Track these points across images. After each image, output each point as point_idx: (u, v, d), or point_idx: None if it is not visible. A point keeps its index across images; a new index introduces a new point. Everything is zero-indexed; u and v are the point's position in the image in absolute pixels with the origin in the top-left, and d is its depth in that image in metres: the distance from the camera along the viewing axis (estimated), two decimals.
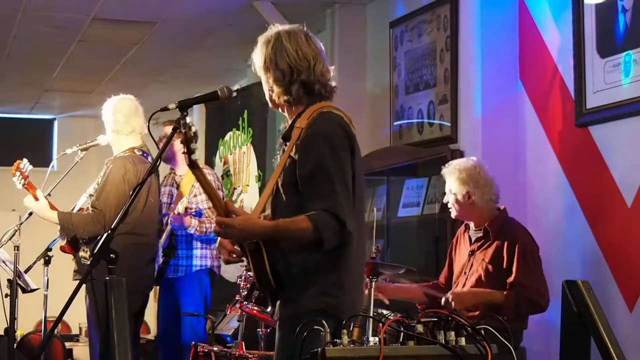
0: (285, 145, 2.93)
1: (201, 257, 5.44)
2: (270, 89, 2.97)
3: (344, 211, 2.75)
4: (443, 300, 4.07)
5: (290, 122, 2.96)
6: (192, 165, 2.68)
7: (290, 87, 2.91)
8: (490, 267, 4.09)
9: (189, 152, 2.68)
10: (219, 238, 2.93)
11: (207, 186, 2.82)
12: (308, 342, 2.41)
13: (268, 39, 2.98)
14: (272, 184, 2.87)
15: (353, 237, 2.82)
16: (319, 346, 2.39)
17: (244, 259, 2.95)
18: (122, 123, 4.74)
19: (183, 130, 2.68)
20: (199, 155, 2.69)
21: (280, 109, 3.01)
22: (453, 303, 3.99)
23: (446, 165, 4.31)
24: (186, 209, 5.19)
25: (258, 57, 2.99)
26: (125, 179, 4.56)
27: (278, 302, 2.90)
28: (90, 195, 4.68)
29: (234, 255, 2.93)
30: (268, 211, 2.96)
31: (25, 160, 4.82)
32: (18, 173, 4.76)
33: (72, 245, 4.71)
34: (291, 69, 2.91)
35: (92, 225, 4.46)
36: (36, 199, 4.66)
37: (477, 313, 4.01)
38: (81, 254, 4.61)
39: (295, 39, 2.96)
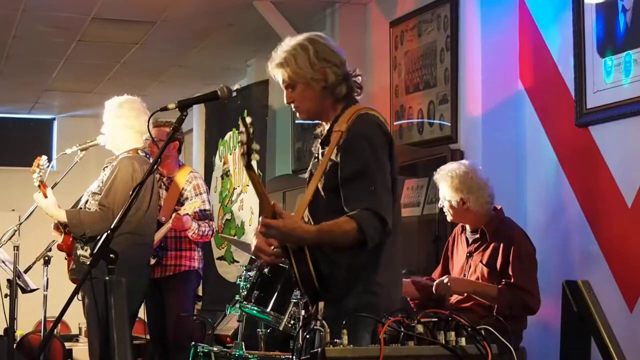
0: (323, 149, 2.96)
1: (190, 257, 5.45)
2: (311, 99, 2.95)
3: (385, 209, 2.79)
4: (437, 282, 4.07)
5: (328, 126, 2.98)
6: (249, 167, 2.66)
7: (335, 89, 2.94)
8: (487, 269, 4.09)
9: (249, 152, 2.64)
10: (256, 243, 2.91)
11: (259, 186, 2.78)
12: (350, 338, 2.41)
13: (300, 47, 2.95)
14: (312, 188, 2.88)
15: (392, 235, 2.86)
16: (360, 342, 2.39)
17: (285, 260, 2.94)
18: (128, 124, 4.72)
19: (244, 130, 2.64)
20: (258, 157, 2.68)
21: (317, 118, 3.01)
22: (450, 284, 4.01)
23: (438, 170, 4.29)
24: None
25: (295, 68, 2.95)
26: (133, 178, 4.55)
27: (321, 303, 2.88)
28: (94, 194, 4.66)
29: (273, 257, 2.88)
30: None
31: (44, 158, 4.80)
32: (38, 170, 4.73)
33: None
34: (336, 74, 2.94)
35: (100, 223, 4.45)
36: (45, 196, 4.64)
37: (464, 297, 4.06)
38: (80, 252, 4.60)
39: (326, 43, 2.98)
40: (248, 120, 2.66)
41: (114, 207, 4.49)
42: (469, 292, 4.06)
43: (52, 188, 4.78)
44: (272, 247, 2.86)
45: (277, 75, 3.02)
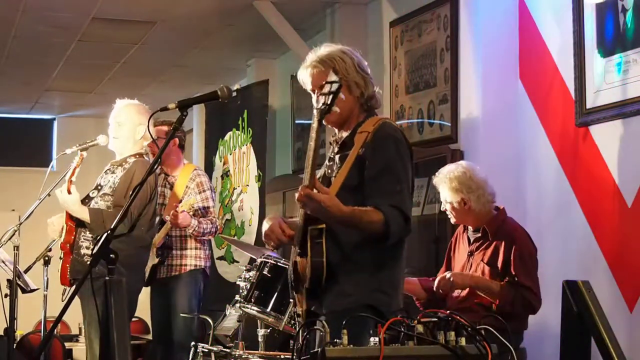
0: (342, 152, 3.06)
1: (195, 257, 5.43)
2: (346, 102, 3.04)
3: (409, 209, 2.96)
4: (439, 277, 4.07)
5: (346, 133, 3.09)
6: (321, 123, 2.80)
7: (370, 100, 3.10)
8: (488, 268, 4.09)
9: (331, 105, 2.78)
10: (268, 225, 3.06)
11: (316, 151, 2.88)
12: (354, 336, 2.45)
13: (344, 53, 3.08)
14: (340, 181, 2.98)
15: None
16: (363, 341, 2.45)
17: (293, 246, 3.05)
18: (140, 130, 4.72)
19: (336, 80, 2.76)
20: (338, 110, 2.92)
21: (342, 123, 3.10)
22: (452, 279, 4.01)
23: (436, 174, 4.29)
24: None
25: (341, 69, 3.04)
26: (149, 181, 4.54)
27: (329, 297, 2.96)
28: (105, 194, 4.65)
29: (281, 242, 3.05)
30: (296, 218, 3.02)
31: (85, 154, 4.76)
32: (80, 167, 4.70)
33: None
34: (371, 84, 3.12)
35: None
36: (69, 192, 4.61)
37: (465, 297, 4.08)
38: (85, 252, 4.59)
39: (361, 58, 3.13)
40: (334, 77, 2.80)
41: (132, 207, 4.48)
42: (472, 286, 4.05)
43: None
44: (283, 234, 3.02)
45: (311, 74, 3.09)
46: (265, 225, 3.09)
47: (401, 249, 3.04)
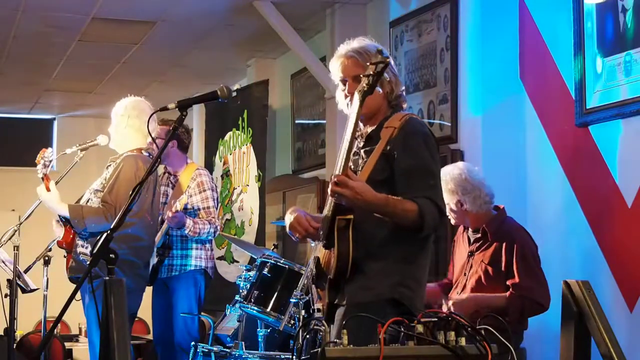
0: (369, 146, 3.06)
1: (196, 257, 5.41)
2: (375, 96, 3.00)
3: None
4: (444, 310, 4.04)
5: (371, 128, 3.09)
6: (362, 104, 2.84)
7: (398, 99, 3.13)
8: (489, 268, 4.08)
9: (374, 85, 2.81)
10: (293, 216, 3.07)
11: (351, 137, 2.88)
12: (368, 332, 2.47)
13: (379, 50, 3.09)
14: (367, 173, 2.97)
15: (429, 238, 3.05)
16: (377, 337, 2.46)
17: (315, 240, 3.09)
18: (134, 125, 4.72)
19: (382, 61, 2.79)
20: (386, 86, 3.03)
21: (368, 116, 3.09)
22: (454, 311, 3.97)
23: None
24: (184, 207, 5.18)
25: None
26: (137, 175, 4.54)
27: (352, 289, 2.96)
28: (96, 191, 4.66)
29: (307, 234, 3.06)
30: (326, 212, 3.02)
31: (49, 150, 4.79)
32: (42, 161, 4.72)
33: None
34: (400, 83, 3.19)
35: (102, 219, 4.45)
36: (48, 190, 4.63)
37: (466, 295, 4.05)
38: (80, 250, 4.59)
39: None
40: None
41: (116, 203, 4.48)
42: (475, 310, 3.95)
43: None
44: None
45: (346, 64, 3.10)
46: (289, 217, 3.10)
47: (427, 246, 3.07)
